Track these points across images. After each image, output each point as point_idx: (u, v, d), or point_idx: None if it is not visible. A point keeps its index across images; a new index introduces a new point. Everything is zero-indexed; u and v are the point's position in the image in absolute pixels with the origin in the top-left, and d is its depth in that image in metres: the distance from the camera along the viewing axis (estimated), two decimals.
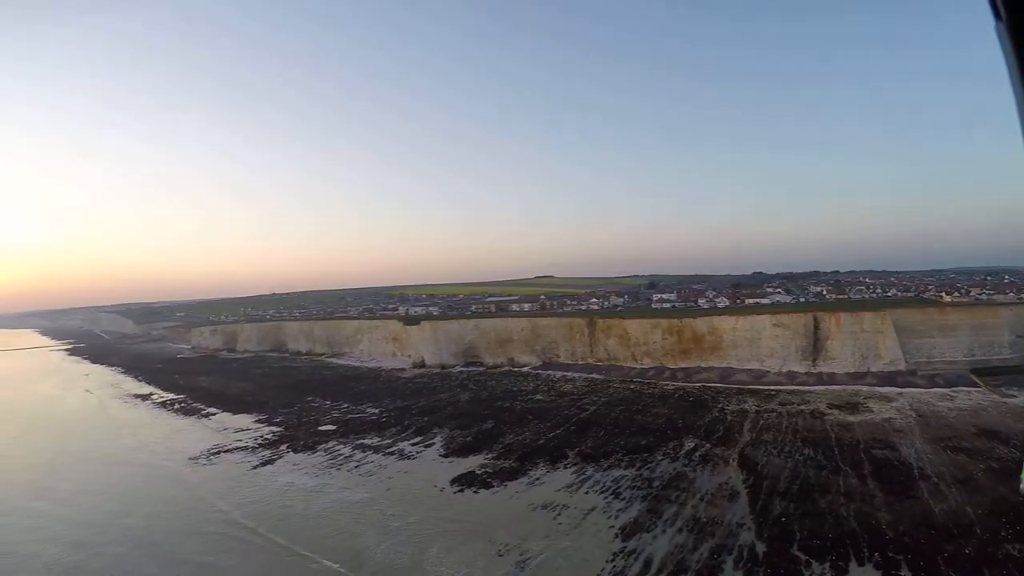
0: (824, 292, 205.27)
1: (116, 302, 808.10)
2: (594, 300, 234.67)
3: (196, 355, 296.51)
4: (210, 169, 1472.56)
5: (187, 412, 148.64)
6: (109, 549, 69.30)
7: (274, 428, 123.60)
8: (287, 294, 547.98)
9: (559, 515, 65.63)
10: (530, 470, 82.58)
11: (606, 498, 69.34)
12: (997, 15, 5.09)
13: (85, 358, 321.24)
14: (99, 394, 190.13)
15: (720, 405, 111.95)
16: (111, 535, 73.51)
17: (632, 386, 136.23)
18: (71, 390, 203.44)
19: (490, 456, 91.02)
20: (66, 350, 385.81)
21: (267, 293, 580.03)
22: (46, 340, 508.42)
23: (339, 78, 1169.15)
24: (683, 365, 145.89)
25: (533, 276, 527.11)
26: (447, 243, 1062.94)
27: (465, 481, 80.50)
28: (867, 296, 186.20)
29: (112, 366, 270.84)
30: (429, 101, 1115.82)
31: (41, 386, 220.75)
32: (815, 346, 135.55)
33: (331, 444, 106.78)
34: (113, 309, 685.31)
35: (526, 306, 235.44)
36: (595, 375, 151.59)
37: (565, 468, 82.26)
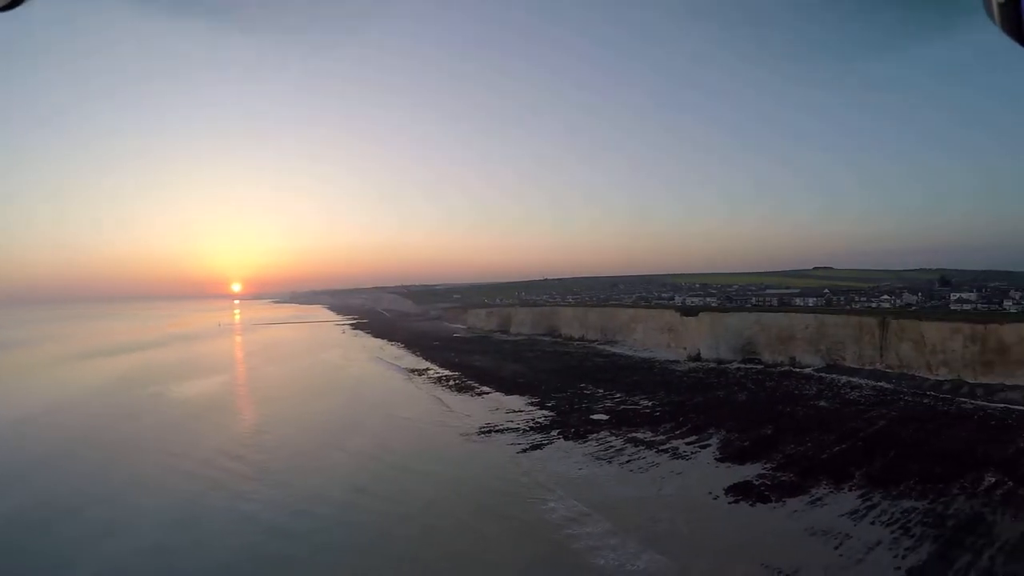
0: None
1: (398, 283, 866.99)
2: (885, 297, 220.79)
3: (471, 335, 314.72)
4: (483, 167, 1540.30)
5: (461, 389, 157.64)
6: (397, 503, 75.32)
7: (546, 412, 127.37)
8: (559, 280, 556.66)
9: (840, 545, 62.37)
10: (811, 488, 79.11)
11: (893, 533, 64.69)
12: None
13: (368, 333, 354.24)
14: (381, 365, 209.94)
15: None
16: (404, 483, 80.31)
17: (925, 400, 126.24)
18: (355, 360, 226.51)
19: (768, 466, 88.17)
20: (350, 325, 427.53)
21: (539, 278, 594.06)
22: (333, 315, 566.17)
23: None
24: (984, 380, 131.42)
25: (811, 267, 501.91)
26: (718, 231, 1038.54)
27: (741, 491, 78.70)
28: None
29: (393, 341, 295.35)
30: (702, 94, 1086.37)
31: (329, 354, 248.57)
32: None
33: (602, 435, 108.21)
34: (394, 290, 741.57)
35: (810, 300, 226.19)
36: (884, 383, 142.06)
37: (850, 490, 77.87)
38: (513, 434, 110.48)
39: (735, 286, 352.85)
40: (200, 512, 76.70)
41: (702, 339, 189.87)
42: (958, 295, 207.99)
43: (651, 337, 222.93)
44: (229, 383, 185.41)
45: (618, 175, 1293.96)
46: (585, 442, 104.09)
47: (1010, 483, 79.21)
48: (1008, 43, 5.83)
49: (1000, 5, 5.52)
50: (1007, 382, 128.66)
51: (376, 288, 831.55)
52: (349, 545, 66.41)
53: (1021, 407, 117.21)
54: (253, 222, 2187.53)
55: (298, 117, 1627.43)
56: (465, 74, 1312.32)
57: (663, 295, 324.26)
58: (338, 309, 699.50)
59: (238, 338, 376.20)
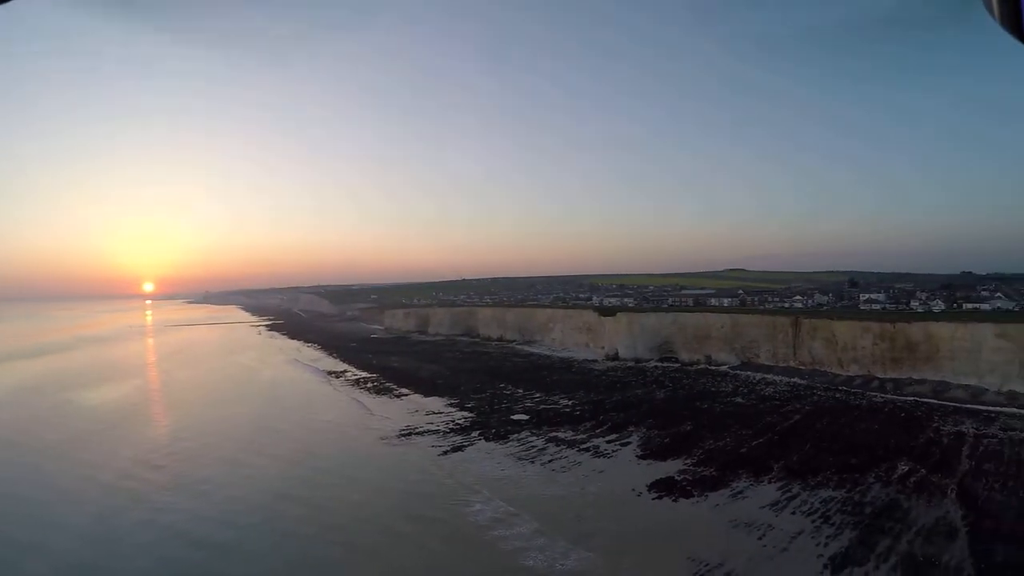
0: None
1: (314, 283, 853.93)
2: (798, 297, 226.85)
3: (389, 336, 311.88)
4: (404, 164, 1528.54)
5: (380, 391, 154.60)
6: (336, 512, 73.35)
7: (466, 413, 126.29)
8: (477, 280, 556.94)
9: (764, 536, 63.30)
10: (732, 481, 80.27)
11: (814, 522, 66.16)
12: None
13: (283, 334, 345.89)
14: (299, 367, 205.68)
15: (934, 424, 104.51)
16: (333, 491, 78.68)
17: (838, 395, 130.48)
18: (272, 363, 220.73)
19: (689, 462, 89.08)
20: (265, 326, 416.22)
21: (457, 279, 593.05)
22: (248, 316, 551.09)
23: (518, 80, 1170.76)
24: (893, 375, 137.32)
25: (724, 268, 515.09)
26: (635, 233, 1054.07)
27: (664, 487, 79.09)
28: None
29: (309, 343, 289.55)
30: (622, 94, 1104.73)
31: (245, 357, 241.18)
32: None
33: (523, 435, 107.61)
34: (311, 290, 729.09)
35: (725, 301, 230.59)
36: (797, 379, 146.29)
37: (770, 483, 79.41)
38: (434, 436, 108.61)
39: (651, 287, 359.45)
40: (121, 526, 72.31)
41: (620, 339, 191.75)
42: (867, 296, 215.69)
43: (569, 337, 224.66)
44: (143, 388, 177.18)
45: (536, 176, 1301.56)
46: (506, 442, 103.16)
47: (922, 471, 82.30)
48: (1008, 38, 5.74)
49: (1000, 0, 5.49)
50: (915, 376, 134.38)
51: (292, 288, 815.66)
52: (277, 555, 63.75)
53: (929, 400, 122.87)
54: (167, 220, 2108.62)
55: (212, 116, 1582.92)
56: (379, 72, 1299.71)
57: (581, 296, 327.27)
58: (253, 310, 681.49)
59: (151, 341, 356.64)
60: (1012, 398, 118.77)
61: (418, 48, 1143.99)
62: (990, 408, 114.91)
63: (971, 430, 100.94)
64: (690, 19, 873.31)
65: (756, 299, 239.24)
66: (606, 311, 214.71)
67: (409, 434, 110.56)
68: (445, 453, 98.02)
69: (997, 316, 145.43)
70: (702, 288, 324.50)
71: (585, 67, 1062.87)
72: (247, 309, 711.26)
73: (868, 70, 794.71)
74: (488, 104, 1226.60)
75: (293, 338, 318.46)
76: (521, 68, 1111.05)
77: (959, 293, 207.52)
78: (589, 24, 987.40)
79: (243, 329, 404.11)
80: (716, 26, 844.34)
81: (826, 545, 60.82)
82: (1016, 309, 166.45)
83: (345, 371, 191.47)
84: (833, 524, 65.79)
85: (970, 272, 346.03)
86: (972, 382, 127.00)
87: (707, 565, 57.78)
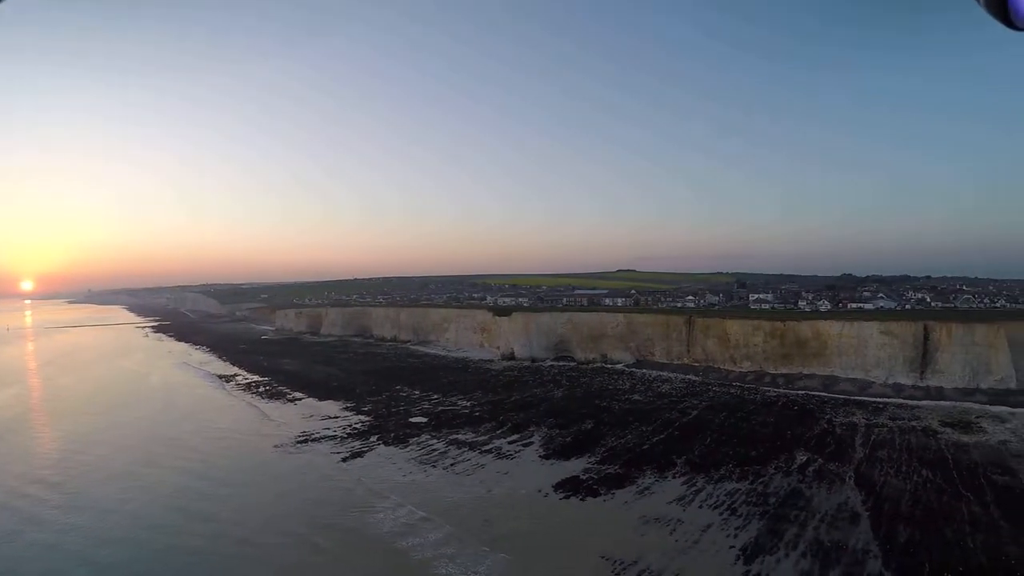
0: (928, 299, 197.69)
1: (202, 282, 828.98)
2: (690, 297, 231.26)
3: (280, 337, 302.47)
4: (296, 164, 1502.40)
5: (273, 395, 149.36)
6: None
7: (363, 417, 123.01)
8: (370, 279, 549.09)
9: (675, 530, 63.24)
10: (637, 478, 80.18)
11: (722, 514, 66.72)
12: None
13: (171, 336, 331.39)
14: (189, 372, 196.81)
15: (827, 416, 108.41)
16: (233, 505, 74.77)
17: (732, 390, 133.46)
18: (161, 367, 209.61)
19: (593, 460, 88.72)
20: (151, 327, 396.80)
21: (350, 278, 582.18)
22: (133, 317, 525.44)
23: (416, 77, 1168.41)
24: (784, 371, 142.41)
25: (615, 270, 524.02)
26: (527, 234, 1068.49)
27: (570, 487, 78.31)
28: (975, 306, 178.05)
29: (197, 345, 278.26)
30: (513, 98, 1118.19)
31: (133, 361, 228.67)
32: (923, 358, 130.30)
33: (423, 438, 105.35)
34: (199, 289, 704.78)
35: (619, 301, 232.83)
36: (692, 376, 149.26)
37: (675, 478, 79.74)
38: (332, 442, 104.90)
39: (544, 287, 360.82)
40: (17, 553, 66.16)
41: (516, 338, 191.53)
42: (756, 296, 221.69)
43: (464, 337, 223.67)
44: (25, 397, 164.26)
45: (426, 178, 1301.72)
46: (407, 446, 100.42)
47: (820, 460, 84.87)
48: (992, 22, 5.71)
49: None
50: (805, 371, 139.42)
51: (179, 287, 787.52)
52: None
53: (820, 393, 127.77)
54: (47, 216, 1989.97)
55: (89, 108, 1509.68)
56: (272, 70, 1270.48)
57: (475, 295, 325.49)
58: (139, 310, 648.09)
59: (31, 344, 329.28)
60: (898, 389, 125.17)
61: (288, 52, 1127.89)
62: (878, 399, 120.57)
63: (862, 420, 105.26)
64: (583, 31, 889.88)
65: (649, 299, 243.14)
66: (501, 311, 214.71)
67: (307, 440, 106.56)
68: (345, 459, 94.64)
69: (881, 315, 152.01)
70: (594, 288, 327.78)
71: (477, 74, 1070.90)
72: (132, 309, 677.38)
73: (740, 78, 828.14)
74: (376, 105, 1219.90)
75: (181, 340, 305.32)
76: (403, 63, 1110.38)
77: (842, 294, 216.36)
78: (486, 36, 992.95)
79: (129, 331, 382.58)
80: (609, 34, 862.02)
81: (736, 536, 61.33)
82: (898, 308, 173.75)
83: (236, 375, 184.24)
84: (740, 515, 66.48)
85: (850, 274, 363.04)
86: (860, 376, 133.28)
87: (622, 563, 57.07)
